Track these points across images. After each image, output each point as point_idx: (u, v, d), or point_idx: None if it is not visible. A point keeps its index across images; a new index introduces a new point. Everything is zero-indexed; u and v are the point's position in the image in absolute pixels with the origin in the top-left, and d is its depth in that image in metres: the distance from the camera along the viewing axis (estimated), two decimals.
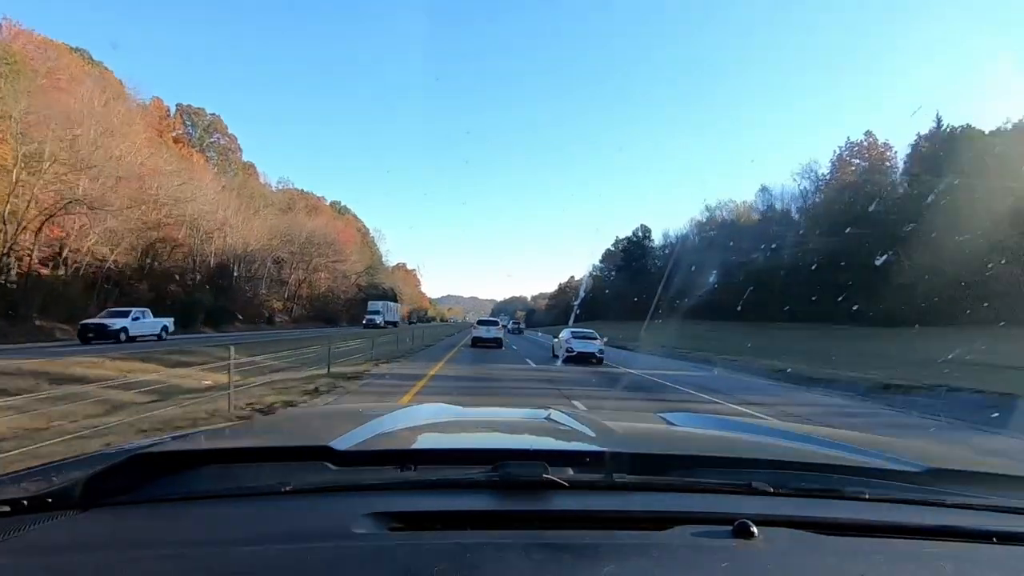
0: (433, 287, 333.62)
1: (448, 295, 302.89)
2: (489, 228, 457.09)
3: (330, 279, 66.31)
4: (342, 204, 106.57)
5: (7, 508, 0.71)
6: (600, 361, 16.42)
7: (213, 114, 59.12)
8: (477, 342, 22.45)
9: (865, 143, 54.71)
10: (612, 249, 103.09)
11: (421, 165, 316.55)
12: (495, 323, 25.34)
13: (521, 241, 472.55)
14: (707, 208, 76.34)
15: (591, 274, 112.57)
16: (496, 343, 22.59)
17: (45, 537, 0.66)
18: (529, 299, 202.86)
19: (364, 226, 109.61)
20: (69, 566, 0.59)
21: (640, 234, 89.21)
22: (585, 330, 18.64)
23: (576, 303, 76.45)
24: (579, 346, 16.70)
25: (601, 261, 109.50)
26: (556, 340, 19.43)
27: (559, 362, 16.35)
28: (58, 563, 0.60)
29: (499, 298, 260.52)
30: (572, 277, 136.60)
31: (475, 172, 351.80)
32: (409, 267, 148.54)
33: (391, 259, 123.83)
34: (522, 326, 61.92)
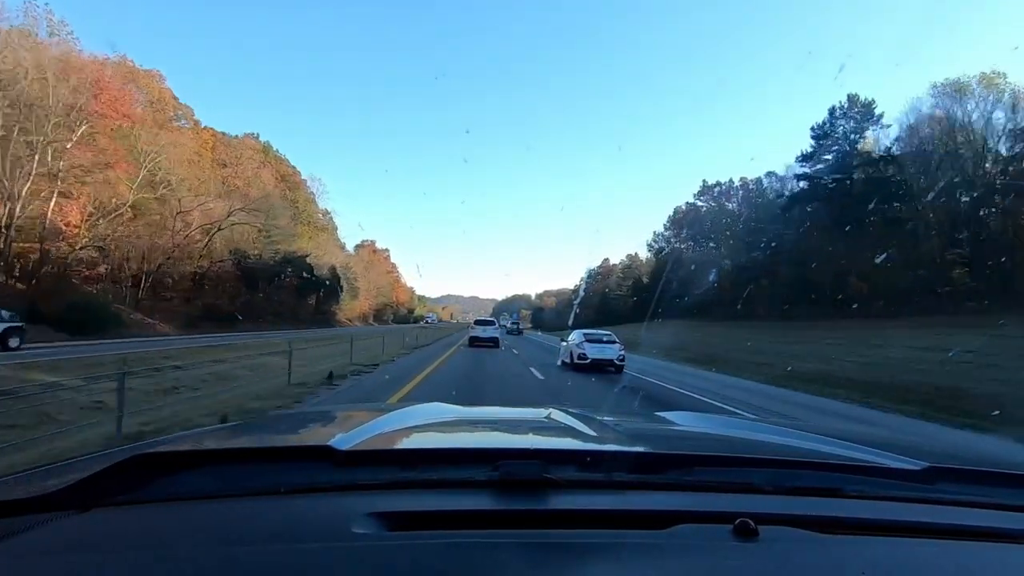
0: (433, 287, 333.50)
1: (448, 294, 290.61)
2: (489, 227, 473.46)
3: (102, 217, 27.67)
4: (265, 141, 68.29)
5: (7, 508, 0.70)
6: (619, 369, 13.91)
7: None
8: (474, 341, 23.38)
9: None
10: (699, 203, 64.27)
11: (420, 165, 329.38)
12: (492, 323, 26.14)
13: (522, 240, 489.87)
14: (941, 86, 36.90)
15: (650, 245, 75.42)
16: (493, 342, 23.42)
17: (45, 537, 0.65)
18: (533, 297, 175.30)
19: (294, 171, 70.76)
20: (69, 566, 0.59)
21: (858, 113, 40.58)
22: (600, 332, 15.66)
23: (576, 301, 70.29)
24: (594, 351, 13.90)
25: (667, 227, 70.99)
26: (564, 344, 15.88)
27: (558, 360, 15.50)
28: (58, 563, 0.59)
29: (500, 297, 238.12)
30: (606, 260, 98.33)
31: (474, 171, 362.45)
32: (380, 247, 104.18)
33: (343, 229, 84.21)
34: (520, 326, 55.80)
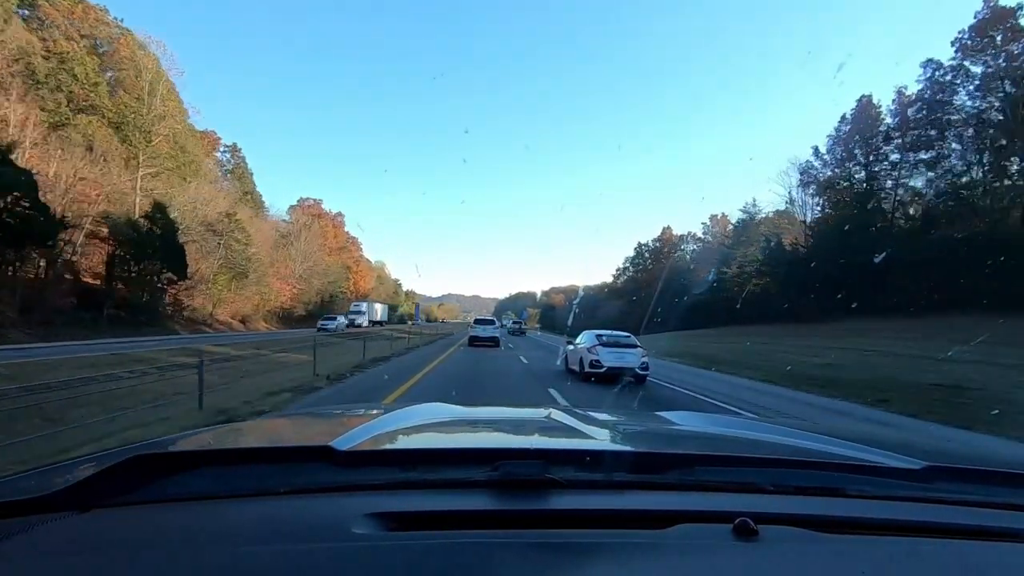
0: (433, 286, 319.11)
1: (448, 294, 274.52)
2: (489, 226, 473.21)
3: None
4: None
5: (7, 508, 0.70)
6: (643, 380, 11.16)
7: None
8: (474, 341, 23.03)
9: None
10: (967, 63, 30.37)
11: (419, 165, 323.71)
12: (492, 322, 25.57)
13: (523, 239, 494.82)
14: None
15: (808, 170, 44.26)
16: (493, 341, 23.15)
17: (45, 537, 0.65)
18: (539, 295, 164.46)
19: (134, 41, 36.64)
20: (69, 566, 0.58)
21: None
22: (618, 333, 12.26)
23: (575, 302, 66.23)
24: (611, 358, 11.09)
25: (837, 139, 38.85)
26: (571, 348, 13.21)
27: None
28: (58, 563, 0.59)
29: (502, 296, 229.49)
30: (667, 228, 67.86)
31: (474, 171, 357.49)
32: (330, 210, 69.61)
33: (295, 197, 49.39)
34: (523, 327, 49.89)
